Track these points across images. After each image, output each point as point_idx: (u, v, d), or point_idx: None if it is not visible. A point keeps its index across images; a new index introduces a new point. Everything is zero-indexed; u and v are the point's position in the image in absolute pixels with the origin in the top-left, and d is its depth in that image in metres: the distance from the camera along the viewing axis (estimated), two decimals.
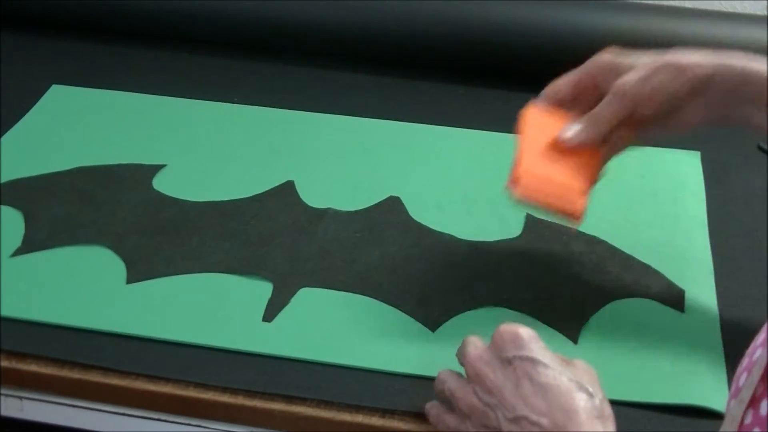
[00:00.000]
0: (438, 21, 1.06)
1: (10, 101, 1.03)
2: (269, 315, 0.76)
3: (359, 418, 0.69)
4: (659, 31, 1.02)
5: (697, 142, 0.98)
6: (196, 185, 0.90)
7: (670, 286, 0.79)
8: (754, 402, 0.52)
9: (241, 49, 1.12)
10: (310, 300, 0.78)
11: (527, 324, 0.75)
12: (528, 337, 0.62)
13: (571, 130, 0.73)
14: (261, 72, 1.10)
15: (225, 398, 0.71)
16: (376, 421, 0.69)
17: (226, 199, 0.89)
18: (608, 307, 0.77)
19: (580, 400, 0.59)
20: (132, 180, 0.91)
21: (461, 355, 0.65)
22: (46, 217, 0.86)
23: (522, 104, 1.04)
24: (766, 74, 0.70)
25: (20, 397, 0.75)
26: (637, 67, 0.73)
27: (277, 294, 0.78)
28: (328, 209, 0.87)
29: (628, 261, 0.81)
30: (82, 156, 0.94)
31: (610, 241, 0.84)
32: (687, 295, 0.78)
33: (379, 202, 0.88)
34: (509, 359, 0.61)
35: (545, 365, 0.60)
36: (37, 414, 0.75)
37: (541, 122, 0.75)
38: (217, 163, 0.94)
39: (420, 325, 0.75)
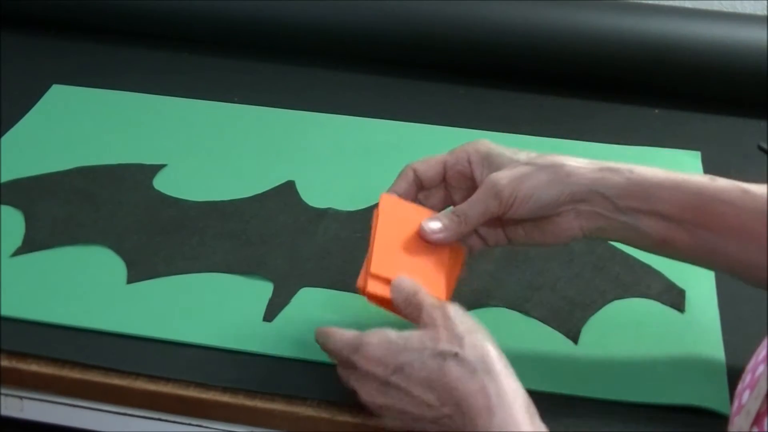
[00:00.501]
0: (438, 21, 1.06)
1: (10, 101, 1.03)
2: (269, 315, 0.76)
3: (359, 418, 0.69)
4: (659, 31, 1.02)
5: (697, 142, 0.98)
6: (197, 185, 0.90)
7: (670, 286, 0.79)
8: (758, 419, 0.52)
9: (241, 49, 1.12)
10: (310, 300, 0.78)
11: (527, 324, 0.76)
12: (380, 351, 0.63)
13: (434, 226, 0.68)
14: (261, 72, 1.10)
15: (225, 398, 0.71)
16: (376, 421, 0.69)
17: (226, 199, 0.89)
18: (608, 307, 0.77)
19: (451, 371, 0.60)
20: (132, 180, 0.91)
21: (343, 381, 0.66)
22: (47, 217, 0.86)
23: (522, 104, 1.05)
24: (652, 178, 0.67)
25: (20, 397, 0.75)
26: (516, 164, 0.68)
27: (278, 294, 0.78)
28: (328, 209, 0.87)
29: (628, 261, 0.81)
30: (82, 156, 0.94)
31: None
32: (687, 295, 0.78)
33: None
34: (386, 382, 0.62)
35: (410, 363, 0.62)
36: (37, 414, 0.75)
37: (398, 214, 0.70)
38: (217, 163, 0.94)
39: None
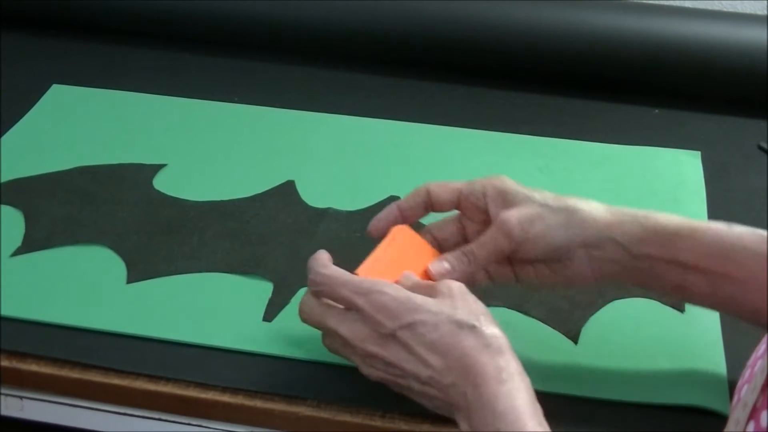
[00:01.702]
0: (438, 21, 1.06)
1: (10, 101, 1.03)
2: (269, 315, 0.76)
3: (359, 418, 0.69)
4: (659, 31, 1.02)
5: (697, 142, 0.98)
6: (197, 185, 0.90)
7: None
8: (755, 413, 0.52)
9: (241, 49, 1.12)
10: None
11: (527, 324, 0.76)
12: (394, 303, 0.63)
13: (441, 269, 0.68)
14: (261, 72, 1.10)
15: (225, 398, 0.71)
16: (376, 421, 0.69)
17: (226, 198, 0.89)
18: (608, 307, 0.77)
19: (466, 339, 0.61)
20: (132, 180, 0.91)
21: (328, 328, 0.65)
22: (47, 216, 0.86)
23: (522, 104, 1.05)
24: (668, 225, 0.66)
25: (20, 397, 0.75)
26: (529, 203, 0.68)
27: (278, 294, 0.78)
28: (328, 209, 0.87)
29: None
30: (82, 156, 0.94)
31: None
32: None
33: (379, 202, 0.88)
34: (390, 334, 0.63)
35: (423, 323, 0.62)
36: (37, 414, 0.75)
37: (407, 243, 0.70)
38: (217, 163, 0.94)
39: None
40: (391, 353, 0.63)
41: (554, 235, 0.67)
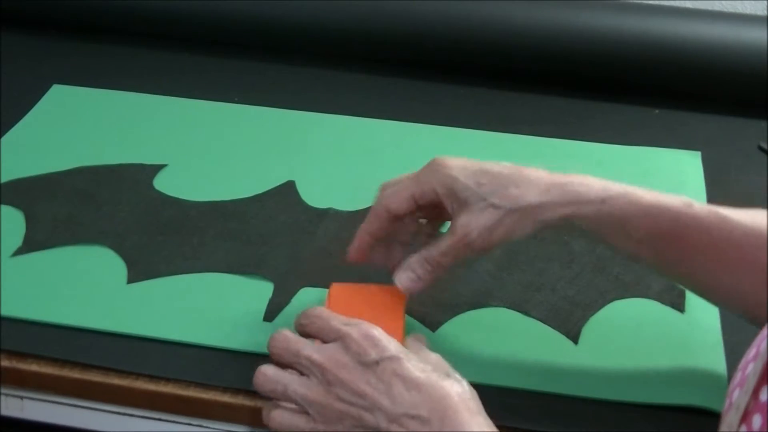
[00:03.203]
0: (438, 21, 1.06)
1: (10, 101, 1.03)
2: (269, 315, 0.76)
3: None
4: (659, 31, 1.02)
5: (697, 142, 0.98)
6: (197, 185, 0.90)
7: (670, 286, 0.79)
8: (746, 416, 0.52)
9: (241, 49, 1.12)
10: (310, 300, 0.78)
11: (527, 324, 0.76)
12: (382, 336, 0.63)
13: (407, 279, 0.69)
14: (261, 72, 1.10)
15: (225, 398, 0.71)
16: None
17: (226, 199, 0.89)
18: (608, 307, 0.77)
19: (450, 386, 0.61)
20: (133, 180, 0.91)
21: (300, 358, 0.64)
22: (47, 217, 0.86)
23: (522, 104, 1.05)
24: (624, 209, 0.65)
25: (21, 397, 0.75)
26: (481, 203, 0.66)
27: (278, 294, 0.78)
28: (328, 209, 0.87)
29: (628, 261, 0.81)
30: (82, 156, 0.94)
31: None
32: (687, 295, 0.78)
33: None
34: (374, 362, 0.62)
35: (409, 360, 0.62)
36: (38, 414, 0.75)
37: (349, 296, 0.71)
38: (217, 163, 0.94)
39: (420, 325, 0.75)
40: (367, 382, 0.61)
41: (515, 234, 0.67)
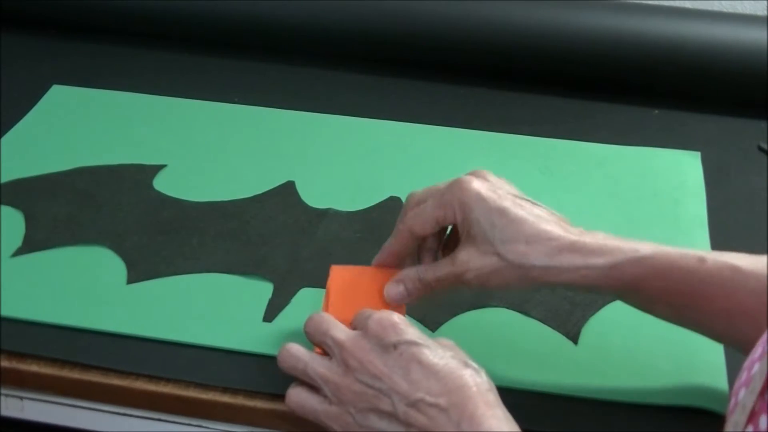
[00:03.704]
0: (438, 21, 1.06)
1: (10, 101, 1.03)
2: (269, 315, 0.76)
3: None
4: (659, 31, 1.02)
5: (697, 142, 0.98)
6: (197, 185, 0.90)
7: None
8: (753, 417, 0.52)
9: (241, 49, 1.12)
10: (310, 300, 0.78)
11: (527, 324, 0.76)
12: (404, 323, 0.63)
13: (396, 293, 0.70)
14: (261, 72, 1.10)
15: (225, 398, 0.71)
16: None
17: (226, 199, 0.89)
18: (608, 307, 0.77)
19: (469, 376, 0.61)
20: (132, 180, 0.91)
21: (326, 337, 0.64)
22: (47, 217, 0.86)
23: (522, 104, 1.05)
24: (635, 270, 0.64)
25: (21, 397, 0.75)
26: (488, 250, 0.65)
27: (278, 294, 0.78)
28: (328, 209, 0.87)
29: None
30: (82, 156, 0.94)
31: None
32: None
33: (379, 202, 0.88)
34: (393, 345, 0.62)
35: (428, 347, 0.62)
36: (38, 414, 0.75)
37: (350, 280, 0.71)
38: (217, 163, 0.94)
39: (420, 324, 0.75)
40: (385, 364, 0.61)
41: (510, 287, 0.67)
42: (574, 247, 0.65)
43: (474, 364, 0.62)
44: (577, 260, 0.65)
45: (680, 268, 0.64)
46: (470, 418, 0.59)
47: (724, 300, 0.64)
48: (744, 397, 0.53)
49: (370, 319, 0.63)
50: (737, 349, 0.65)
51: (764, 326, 0.60)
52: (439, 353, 0.62)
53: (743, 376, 0.55)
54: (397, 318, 0.63)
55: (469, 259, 0.66)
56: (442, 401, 0.59)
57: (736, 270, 0.64)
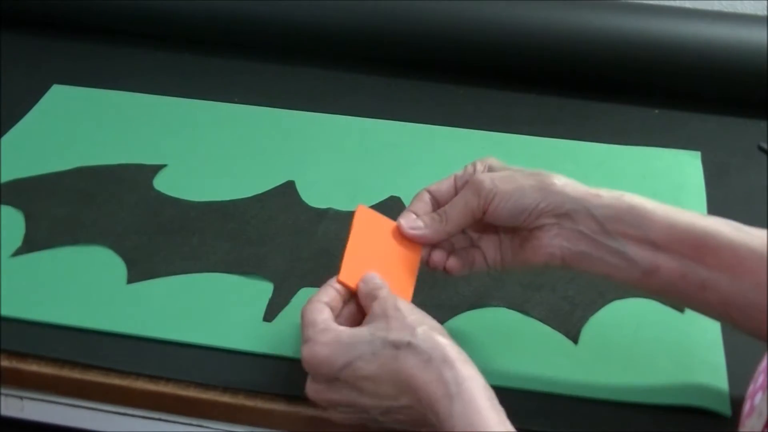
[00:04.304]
0: (438, 21, 1.06)
1: (10, 101, 1.03)
2: (269, 315, 0.76)
3: None
4: (659, 31, 1.02)
5: (697, 142, 0.98)
6: (197, 185, 0.90)
7: None
8: None
9: (241, 49, 1.12)
10: None
11: (527, 324, 0.76)
12: (325, 351, 0.62)
13: (413, 222, 0.69)
14: (261, 72, 1.10)
15: (225, 398, 0.71)
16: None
17: (226, 199, 0.89)
18: (608, 307, 0.77)
19: (405, 359, 0.60)
20: (132, 180, 0.91)
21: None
22: (47, 217, 0.86)
23: (522, 104, 1.05)
24: (643, 204, 0.65)
25: (21, 397, 0.75)
26: (505, 168, 0.69)
27: (278, 294, 0.78)
28: (328, 209, 0.87)
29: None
30: (82, 156, 0.94)
31: None
32: None
33: (379, 202, 0.88)
34: (334, 377, 0.62)
35: (359, 357, 0.61)
36: (38, 414, 0.75)
37: (372, 224, 0.71)
38: (217, 163, 0.94)
39: None
40: (343, 395, 0.62)
41: (523, 195, 0.66)
42: (585, 186, 0.67)
43: (402, 339, 0.60)
44: (590, 188, 0.67)
45: (685, 214, 0.65)
46: (429, 409, 0.58)
47: (728, 253, 0.63)
48: (761, 402, 0.52)
49: (304, 363, 0.63)
50: (746, 329, 0.64)
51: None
52: (368, 354, 0.61)
53: (759, 379, 0.54)
54: (317, 349, 0.62)
55: (483, 175, 0.67)
56: (404, 400, 0.60)
57: (738, 228, 0.64)
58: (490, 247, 0.71)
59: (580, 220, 0.66)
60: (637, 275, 0.66)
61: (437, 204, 0.71)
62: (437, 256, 0.70)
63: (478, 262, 0.71)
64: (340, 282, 0.67)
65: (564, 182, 0.67)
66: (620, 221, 0.65)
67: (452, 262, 0.70)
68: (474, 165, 0.70)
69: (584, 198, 0.66)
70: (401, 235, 0.70)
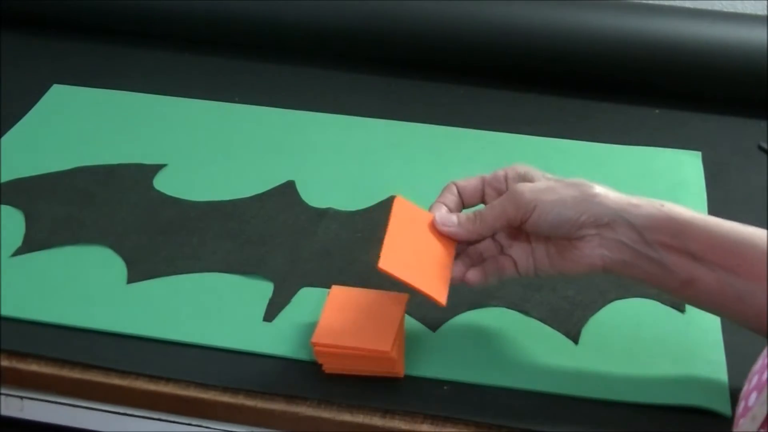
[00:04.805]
0: (438, 21, 1.06)
1: (10, 101, 1.03)
2: (269, 315, 0.76)
3: (360, 418, 0.69)
4: (659, 31, 1.02)
5: (697, 142, 0.98)
6: (197, 185, 0.90)
7: None
8: (766, 424, 0.51)
9: (241, 49, 1.12)
10: (310, 300, 0.78)
11: (527, 324, 0.76)
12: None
13: (447, 218, 0.70)
14: (261, 72, 1.10)
15: (225, 398, 0.71)
16: (376, 420, 0.69)
17: (226, 199, 0.89)
18: (608, 307, 0.77)
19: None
20: (132, 180, 0.91)
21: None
22: (47, 216, 0.86)
23: (522, 104, 1.05)
24: (683, 214, 0.66)
25: (20, 397, 0.75)
26: (545, 179, 0.69)
27: (278, 294, 0.78)
28: (328, 209, 0.87)
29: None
30: (82, 156, 0.94)
31: None
32: None
33: (379, 202, 0.88)
34: None
35: None
36: (37, 414, 0.75)
37: (409, 216, 0.71)
38: (217, 163, 0.94)
39: (420, 325, 0.75)
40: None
41: (565, 207, 0.66)
42: (626, 195, 0.68)
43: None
44: (631, 197, 0.67)
45: (723, 223, 0.66)
46: None
47: (764, 264, 0.63)
48: (755, 404, 0.52)
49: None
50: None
51: None
52: None
53: (754, 380, 0.54)
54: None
55: (523, 184, 0.68)
56: None
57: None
58: (521, 254, 0.71)
59: (620, 230, 0.66)
60: (675, 285, 0.67)
61: (461, 201, 0.72)
62: (455, 271, 0.70)
63: (508, 269, 0.71)
64: (381, 269, 0.66)
65: (604, 192, 0.67)
66: (659, 231, 0.66)
67: (472, 275, 0.70)
68: (505, 171, 0.71)
69: (624, 208, 0.66)
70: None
